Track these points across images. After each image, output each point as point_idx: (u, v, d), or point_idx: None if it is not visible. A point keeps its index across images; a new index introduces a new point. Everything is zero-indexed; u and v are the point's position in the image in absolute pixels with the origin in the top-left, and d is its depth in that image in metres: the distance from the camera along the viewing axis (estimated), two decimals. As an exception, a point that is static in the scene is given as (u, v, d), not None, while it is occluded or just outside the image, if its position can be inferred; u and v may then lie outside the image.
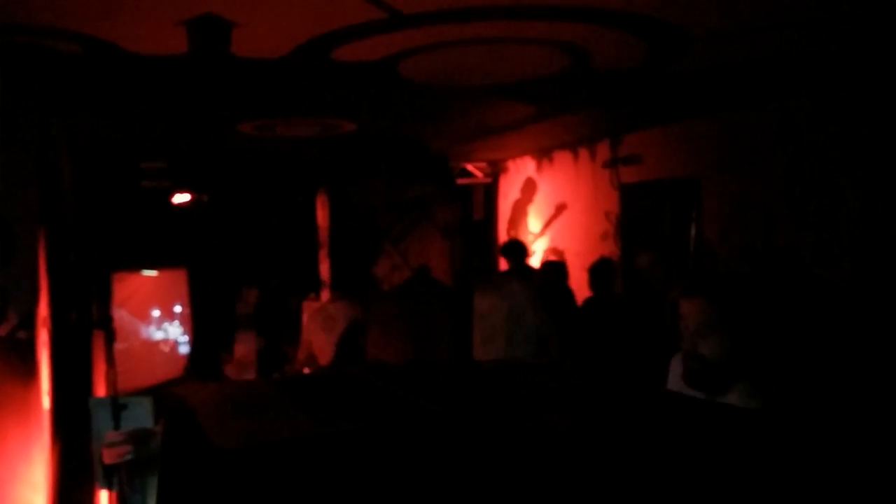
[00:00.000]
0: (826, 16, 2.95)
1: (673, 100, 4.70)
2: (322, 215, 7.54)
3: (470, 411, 1.33)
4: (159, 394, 4.08)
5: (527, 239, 7.17)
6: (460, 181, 8.00)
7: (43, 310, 3.73)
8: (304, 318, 6.50)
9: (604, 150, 6.28)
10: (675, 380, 2.90)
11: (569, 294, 5.50)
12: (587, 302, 5.08)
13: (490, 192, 8.20)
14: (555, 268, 5.81)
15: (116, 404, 3.57)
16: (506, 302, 4.06)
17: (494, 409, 1.35)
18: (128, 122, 5.09)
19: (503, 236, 7.83)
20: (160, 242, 6.56)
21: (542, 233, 7.19)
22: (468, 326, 3.82)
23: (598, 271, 5.03)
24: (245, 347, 5.51)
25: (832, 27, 3.10)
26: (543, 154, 7.22)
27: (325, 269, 7.47)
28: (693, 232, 5.23)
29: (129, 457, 2.93)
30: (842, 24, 3.06)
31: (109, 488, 3.40)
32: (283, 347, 5.20)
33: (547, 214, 7.12)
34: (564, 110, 5.07)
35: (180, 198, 7.16)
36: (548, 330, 4.22)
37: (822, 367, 3.41)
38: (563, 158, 6.93)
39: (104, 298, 5.33)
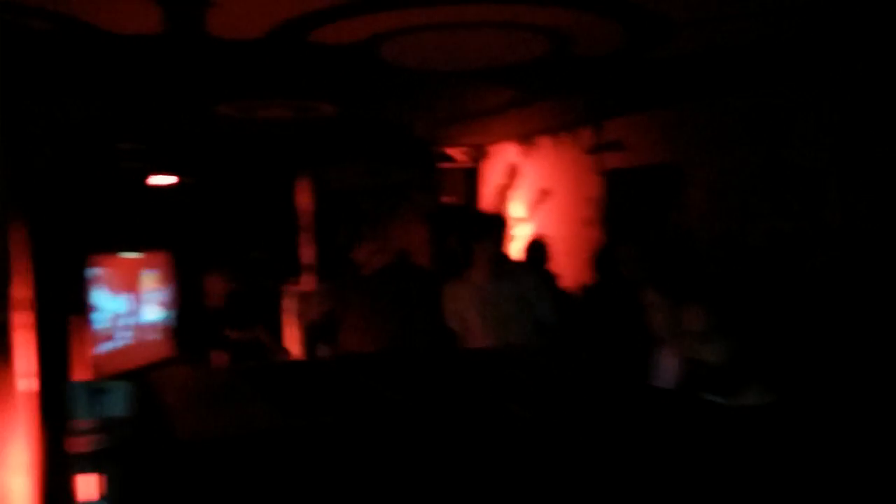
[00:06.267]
0: (807, 3, 2.95)
1: (655, 86, 4.69)
2: (304, 199, 7.48)
3: (436, 402, 1.33)
4: (137, 379, 4.05)
5: (510, 224, 7.12)
6: (442, 166, 7.97)
7: (21, 292, 3.67)
8: (284, 302, 6.47)
9: (586, 136, 6.27)
10: (665, 377, 2.85)
11: (550, 275, 5.43)
12: (590, 289, 4.85)
13: (472, 177, 8.17)
14: (538, 246, 5.73)
15: (94, 389, 3.54)
16: (516, 289, 3.95)
17: (460, 399, 1.35)
18: (104, 102, 5.01)
19: (486, 221, 7.80)
20: (141, 225, 6.50)
21: (526, 218, 7.19)
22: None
23: (604, 257, 4.66)
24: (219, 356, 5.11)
25: (812, 15, 3.10)
26: (526, 139, 7.20)
27: (307, 253, 7.43)
28: (674, 219, 5.24)
29: (97, 446, 2.88)
30: (822, 11, 3.06)
31: (84, 472, 3.37)
32: (259, 337, 4.98)
33: (530, 200, 7.11)
34: (546, 96, 5.05)
35: (157, 180, 7.08)
36: (551, 317, 4.06)
37: (821, 358, 3.42)
38: (546, 144, 6.91)
39: (82, 281, 5.27)
